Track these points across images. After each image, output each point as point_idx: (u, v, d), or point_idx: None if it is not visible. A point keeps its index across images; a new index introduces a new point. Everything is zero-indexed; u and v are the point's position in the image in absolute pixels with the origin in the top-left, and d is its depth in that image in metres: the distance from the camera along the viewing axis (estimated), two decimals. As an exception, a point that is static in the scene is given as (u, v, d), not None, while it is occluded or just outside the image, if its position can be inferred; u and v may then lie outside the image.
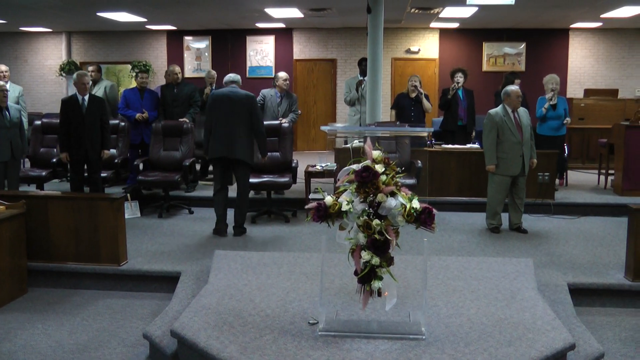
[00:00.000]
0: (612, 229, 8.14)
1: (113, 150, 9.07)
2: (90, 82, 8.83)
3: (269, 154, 8.75)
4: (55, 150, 9.30)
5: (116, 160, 9.13)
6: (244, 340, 4.16)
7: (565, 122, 9.97)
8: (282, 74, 9.77)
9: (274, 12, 12.91)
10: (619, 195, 9.74)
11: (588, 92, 14.41)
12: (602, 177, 10.80)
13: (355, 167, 4.09)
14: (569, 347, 4.24)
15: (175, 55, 16.17)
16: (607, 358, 4.68)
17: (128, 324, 5.38)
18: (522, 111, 7.83)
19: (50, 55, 16.69)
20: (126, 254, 6.46)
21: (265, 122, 9.01)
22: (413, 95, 10.04)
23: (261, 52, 16.16)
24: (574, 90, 15.98)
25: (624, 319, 5.63)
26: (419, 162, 8.48)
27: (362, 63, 10.70)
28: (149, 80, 10.86)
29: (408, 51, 16.17)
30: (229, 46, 16.19)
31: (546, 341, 4.19)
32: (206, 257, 6.46)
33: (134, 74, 13.79)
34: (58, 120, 8.40)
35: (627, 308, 5.89)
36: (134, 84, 13.07)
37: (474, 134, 10.31)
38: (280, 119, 9.41)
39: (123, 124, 9.61)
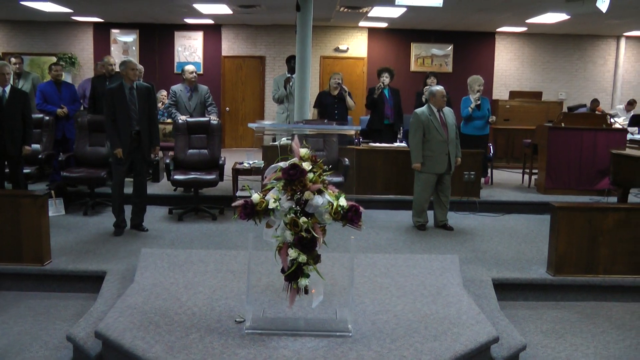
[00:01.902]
0: (535, 226, 8.37)
1: (36, 146, 8.81)
2: (12, 73, 8.52)
3: (197, 150, 8.69)
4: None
5: (40, 156, 8.86)
6: (170, 339, 4.10)
7: (490, 120, 10.18)
8: (189, 67, 9.58)
9: (202, 7, 12.79)
10: (542, 194, 10.04)
11: (513, 94, 14.80)
12: (526, 176, 11.10)
13: (282, 164, 4.08)
14: (493, 340, 4.35)
15: (102, 48, 15.77)
16: (529, 349, 4.82)
17: (51, 326, 5.22)
18: (447, 110, 7.96)
19: (-31, 45, 16.12)
20: (50, 253, 6.27)
21: (192, 119, 8.94)
22: (335, 93, 10.05)
23: (189, 48, 15.98)
24: (500, 92, 16.38)
25: (546, 312, 5.82)
26: (347, 160, 8.53)
27: (290, 61, 10.69)
28: (73, 73, 10.52)
29: (337, 50, 16.25)
30: (156, 41, 15.94)
31: (471, 335, 4.27)
32: (132, 255, 6.35)
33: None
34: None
35: (548, 301, 6.10)
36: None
37: (401, 132, 10.42)
38: (208, 114, 9.28)
39: (47, 118, 9.32)
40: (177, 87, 9.59)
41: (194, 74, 9.53)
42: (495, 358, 4.38)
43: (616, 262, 6.26)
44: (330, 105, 10.02)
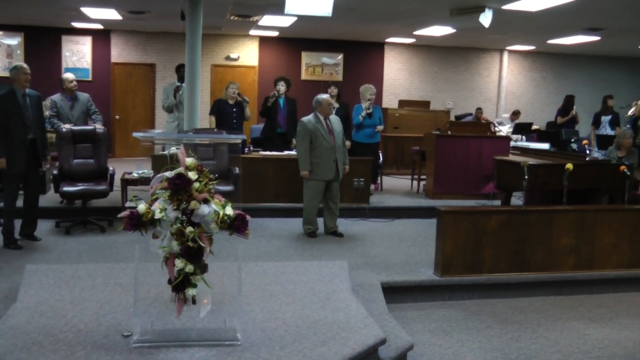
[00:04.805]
0: (423, 229, 8.62)
1: None
2: None
3: (83, 160, 8.47)
4: None
5: None
6: (54, 359, 3.96)
7: (377, 129, 10.39)
8: (69, 75, 9.24)
9: (90, 11, 12.44)
10: (430, 199, 10.33)
11: (402, 103, 15.17)
12: (415, 182, 11.38)
13: (168, 174, 4.04)
14: (380, 342, 4.43)
15: (-16, 51, 15.08)
16: (417, 348, 4.96)
17: None
18: (334, 118, 8.11)
19: None
20: None
21: (77, 128, 8.67)
22: (232, 102, 10.05)
23: (78, 53, 15.51)
24: (389, 101, 16.75)
25: (433, 312, 6.01)
26: (237, 169, 8.52)
27: (180, 69, 10.60)
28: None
29: (228, 58, 16.22)
30: (43, 45, 15.33)
31: (359, 338, 4.34)
32: (16, 272, 6.02)
33: None
34: None
35: (436, 301, 6.31)
36: None
37: (294, 141, 10.47)
38: (92, 123, 9.03)
39: None
40: (56, 97, 9.14)
41: (74, 83, 9.15)
42: (384, 359, 4.46)
43: (499, 261, 6.55)
44: (229, 114, 10.02)
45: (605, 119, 12.90)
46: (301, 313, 4.85)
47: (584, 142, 9.72)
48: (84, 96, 9.29)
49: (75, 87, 9.18)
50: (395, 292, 6.16)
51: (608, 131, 12.77)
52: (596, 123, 13.03)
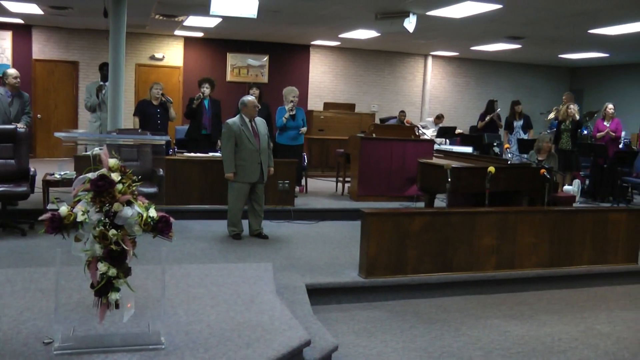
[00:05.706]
0: (348, 231, 8.68)
1: None
2: None
3: (3, 161, 8.20)
4: None
5: None
6: (-31, 369, 3.85)
7: (300, 131, 10.45)
8: (13, 71, 9.05)
9: (10, 5, 12.06)
10: (355, 201, 10.44)
11: (327, 106, 15.27)
12: (340, 184, 11.46)
13: (90, 175, 3.97)
14: (305, 344, 4.44)
15: None
16: (342, 349, 4.98)
17: None
18: (259, 120, 8.10)
19: None
20: None
21: (-4, 127, 8.44)
22: (157, 102, 9.95)
23: (-3, 48, 15.05)
24: (315, 103, 16.85)
25: (358, 313, 6.05)
26: (161, 170, 8.42)
27: (103, 67, 10.42)
28: None
29: (152, 58, 16.03)
30: (-40, 39, 14.84)
31: (283, 340, 4.34)
32: None
33: None
34: None
35: (360, 303, 6.34)
36: None
37: (219, 142, 10.43)
38: (13, 123, 8.80)
39: None
40: None
41: (18, 80, 8.99)
42: (308, 361, 4.49)
43: (423, 262, 6.65)
44: (154, 115, 9.93)
45: (518, 123, 13.47)
46: (225, 315, 4.83)
47: (506, 146, 10.02)
48: (25, 95, 9.19)
49: (19, 83, 9.03)
50: (319, 294, 6.18)
51: (522, 135, 13.27)
52: (509, 128, 13.52)
